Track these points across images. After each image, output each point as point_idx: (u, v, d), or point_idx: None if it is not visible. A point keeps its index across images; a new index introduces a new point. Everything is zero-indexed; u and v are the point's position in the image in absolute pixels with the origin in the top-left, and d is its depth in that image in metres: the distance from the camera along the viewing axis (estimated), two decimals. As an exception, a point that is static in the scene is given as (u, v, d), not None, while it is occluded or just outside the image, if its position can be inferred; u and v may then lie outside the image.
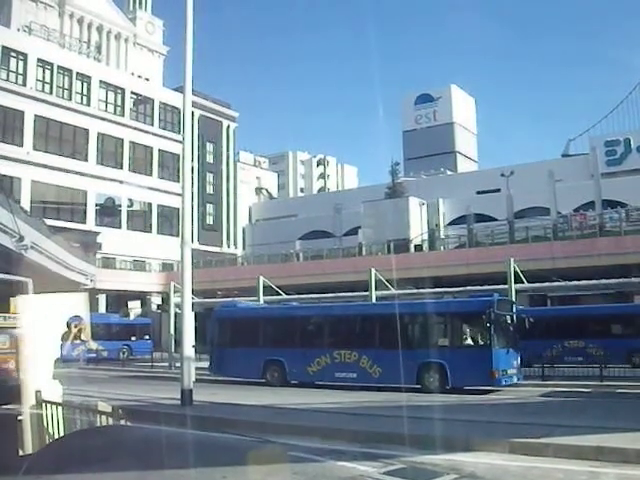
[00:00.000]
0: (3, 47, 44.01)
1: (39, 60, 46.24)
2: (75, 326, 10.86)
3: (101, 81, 50.55)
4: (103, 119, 49.70)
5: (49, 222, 33.26)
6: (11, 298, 12.43)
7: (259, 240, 59.45)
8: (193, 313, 15.27)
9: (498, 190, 47.94)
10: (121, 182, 49.91)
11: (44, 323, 10.78)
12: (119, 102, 51.91)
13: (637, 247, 30.29)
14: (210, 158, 62.12)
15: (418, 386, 17.76)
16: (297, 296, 30.08)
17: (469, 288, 27.19)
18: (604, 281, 27.10)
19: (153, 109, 54.24)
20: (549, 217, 41.06)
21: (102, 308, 44.58)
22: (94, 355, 32.97)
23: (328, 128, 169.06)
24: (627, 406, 14.98)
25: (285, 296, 29.89)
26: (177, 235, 39.01)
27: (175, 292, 27.59)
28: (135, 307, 48.14)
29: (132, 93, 53.17)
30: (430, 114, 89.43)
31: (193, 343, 15.10)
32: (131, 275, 46.77)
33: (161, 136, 53.56)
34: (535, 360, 21.43)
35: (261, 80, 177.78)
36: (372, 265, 27.87)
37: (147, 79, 58.85)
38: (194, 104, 40.40)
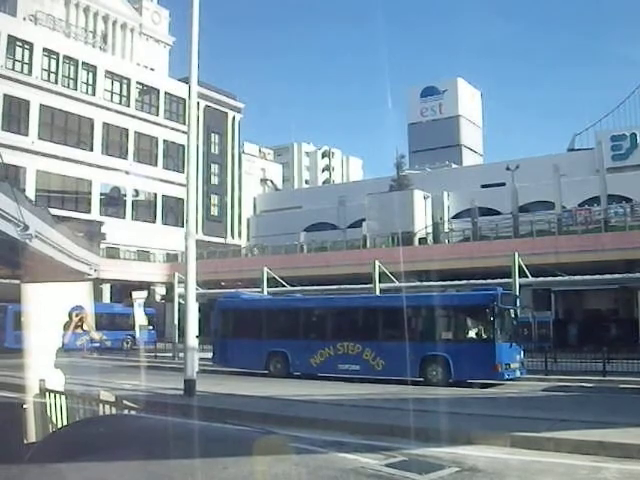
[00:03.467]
0: (9, 36, 43.97)
1: (45, 49, 46.16)
2: (76, 315, 10.86)
3: (107, 71, 50.47)
4: (108, 109, 49.65)
5: (54, 211, 33.40)
6: None
7: (263, 231, 59.37)
8: (197, 304, 15.32)
9: (503, 184, 47.67)
10: (126, 172, 49.94)
11: (47, 312, 10.81)
12: (124, 92, 51.84)
13: (642, 242, 30.15)
14: (215, 149, 61.99)
15: (421, 379, 17.78)
16: (301, 288, 30.12)
17: (473, 282, 27.20)
18: (608, 276, 27.05)
19: (158, 99, 54.16)
20: (554, 211, 40.93)
21: (106, 298, 44.68)
22: (98, 345, 33.00)
23: (333, 120, 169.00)
24: (629, 401, 14.99)
25: (289, 288, 29.95)
26: (181, 226, 39.07)
27: (179, 283, 27.65)
28: (139, 297, 48.14)
29: (137, 83, 53.10)
30: (436, 107, 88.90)
31: (197, 334, 15.16)
32: (135, 265, 46.75)
33: (166, 126, 53.49)
34: None
35: (267, 72, 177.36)
36: (376, 258, 27.87)
37: (152, 69, 58.69)
38: (199, 95, 40.30)
